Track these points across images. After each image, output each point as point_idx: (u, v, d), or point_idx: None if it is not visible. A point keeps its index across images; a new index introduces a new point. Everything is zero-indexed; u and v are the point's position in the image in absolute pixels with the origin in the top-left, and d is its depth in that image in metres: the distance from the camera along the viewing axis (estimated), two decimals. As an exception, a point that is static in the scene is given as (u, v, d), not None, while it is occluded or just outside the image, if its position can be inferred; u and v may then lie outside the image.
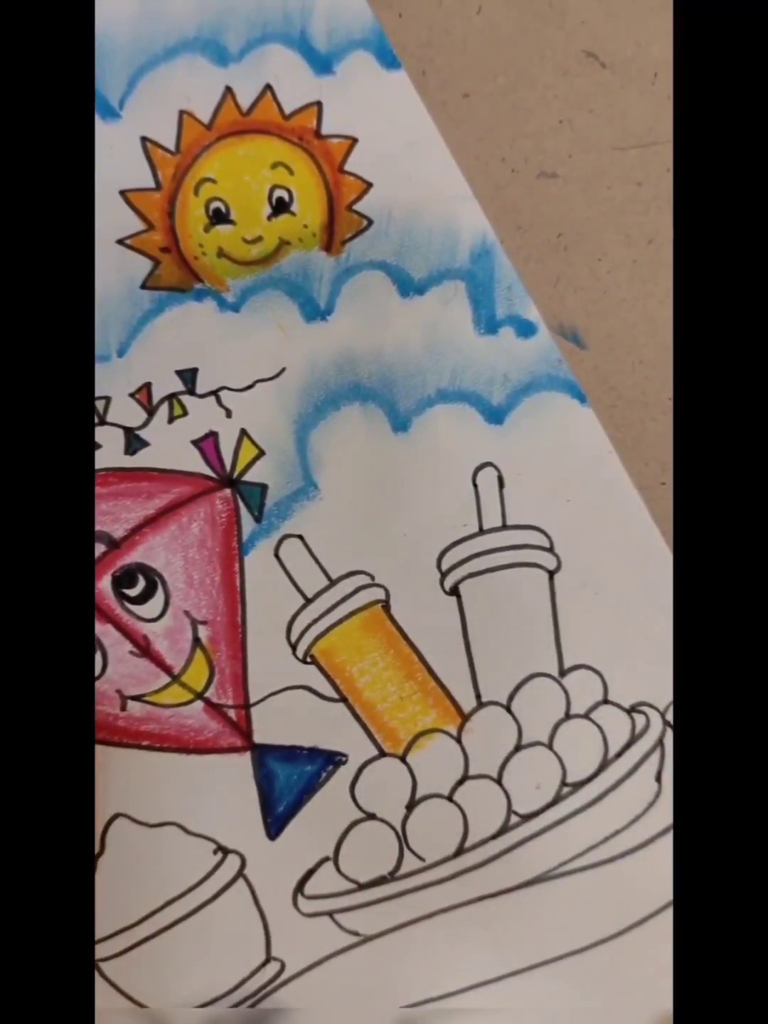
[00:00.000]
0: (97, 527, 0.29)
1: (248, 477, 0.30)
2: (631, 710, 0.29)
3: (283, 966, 0.29)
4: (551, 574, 0.30)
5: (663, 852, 0.29)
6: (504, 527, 0.30)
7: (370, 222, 0.29)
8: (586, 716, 0.29)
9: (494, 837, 0.29)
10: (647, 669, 0.29)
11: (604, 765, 0.29)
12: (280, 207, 0.30)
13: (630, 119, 0.30)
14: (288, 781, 0.29)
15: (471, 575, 0.30)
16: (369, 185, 0.30)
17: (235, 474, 0.30)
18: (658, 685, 0.29)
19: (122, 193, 0.29)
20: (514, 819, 0.29)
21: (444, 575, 0.30)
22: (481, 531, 0.30)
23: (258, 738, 0.29)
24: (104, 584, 0.29)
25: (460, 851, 0.29)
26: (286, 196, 0.30)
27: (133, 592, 0.29)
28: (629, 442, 0.30)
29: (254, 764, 0.29)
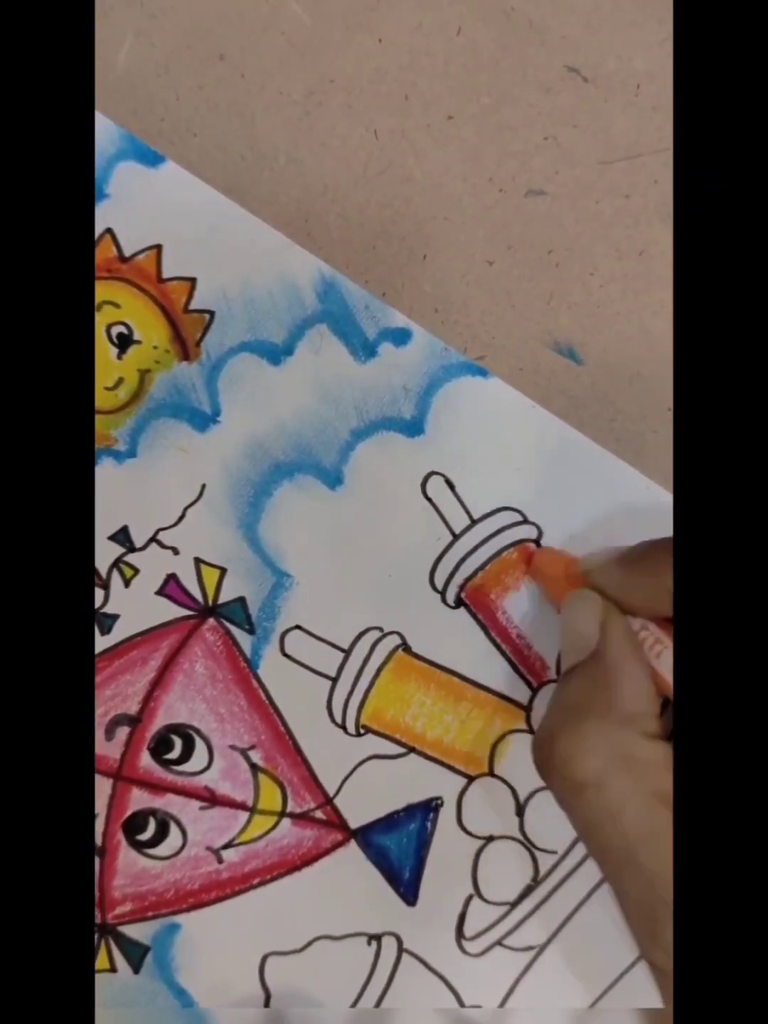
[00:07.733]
0: (111, 713, 0.29)
1: (223, 598, 0.30)
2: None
3: (482, 1008, 0.29)
4: (537, 541, 0.29)
5: None
6: (473, 522, 0.29)
7: (211, 314, 0.30)
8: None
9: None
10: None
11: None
12: (124, 342, 0.30)
13: (615, 132, 0.30)
14: (401, 847, 0.29)
15: (467, 579, 0.29)
16: (192, 280, 0.30)
17: (210, 602, 0.30)
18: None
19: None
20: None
21: (443, 592, 0.29)
22: (455, 536, 0.29)
23: (354, 823, 0.29)
24: (145, 761, 0.29)
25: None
26: (124, 329, 0.30)
27: (174, 755, 0.29)
28: (630, 456, 0.29)
29: (362, 848, 0.29)
